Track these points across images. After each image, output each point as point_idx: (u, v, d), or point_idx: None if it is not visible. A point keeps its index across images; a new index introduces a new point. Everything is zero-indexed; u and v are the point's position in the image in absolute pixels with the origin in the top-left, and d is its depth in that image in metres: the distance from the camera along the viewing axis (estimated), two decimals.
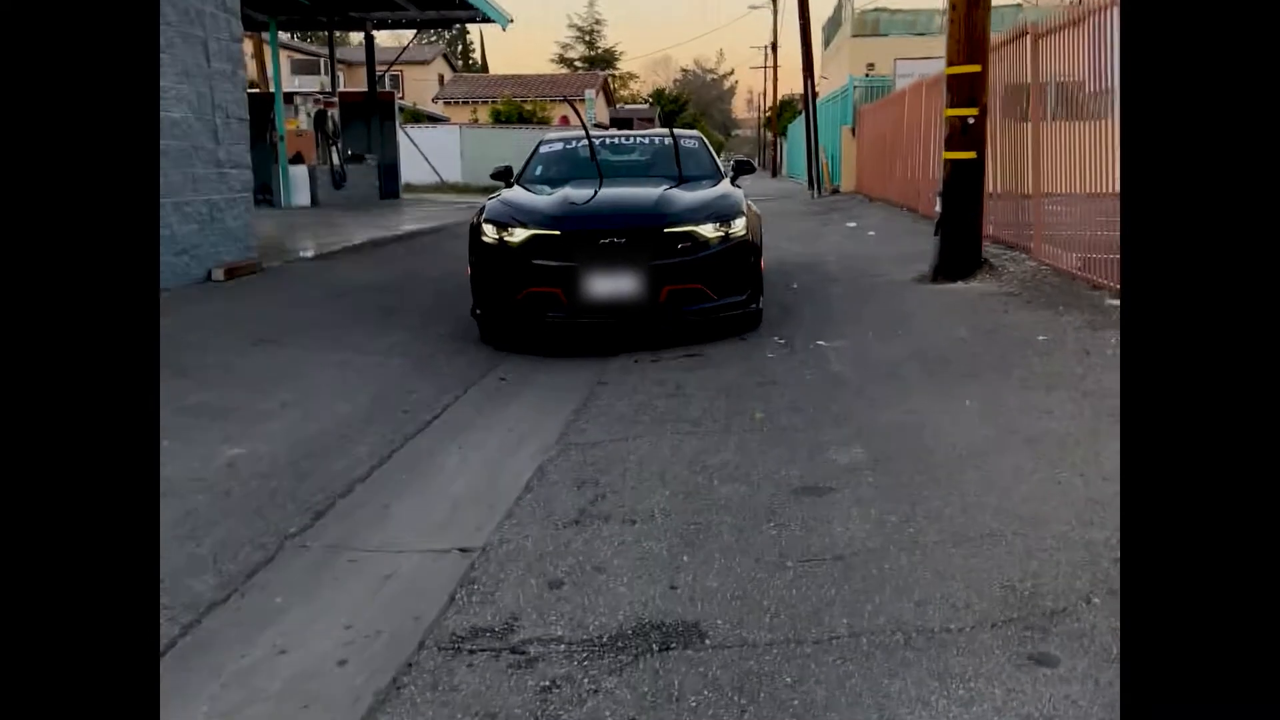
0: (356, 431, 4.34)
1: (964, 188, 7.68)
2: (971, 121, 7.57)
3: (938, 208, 7.96)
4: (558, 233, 5.89)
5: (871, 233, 12.56)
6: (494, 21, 19.71)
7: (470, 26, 70.24)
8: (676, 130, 7.83)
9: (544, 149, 7.79)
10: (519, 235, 5.92)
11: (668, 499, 3.40)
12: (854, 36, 33.18)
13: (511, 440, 4.25)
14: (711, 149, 7.97)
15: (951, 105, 7.67)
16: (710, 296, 5.94)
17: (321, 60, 39.00)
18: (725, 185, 6.87)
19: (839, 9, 36.59)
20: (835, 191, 23.00)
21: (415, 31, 25.82)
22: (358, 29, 22.29)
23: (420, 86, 45.38)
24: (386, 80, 45.73)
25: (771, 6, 49.35)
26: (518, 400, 4.92)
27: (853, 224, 14.16)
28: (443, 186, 26.84)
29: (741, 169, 7.64)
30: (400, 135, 26.40)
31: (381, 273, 8.91)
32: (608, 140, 8.02)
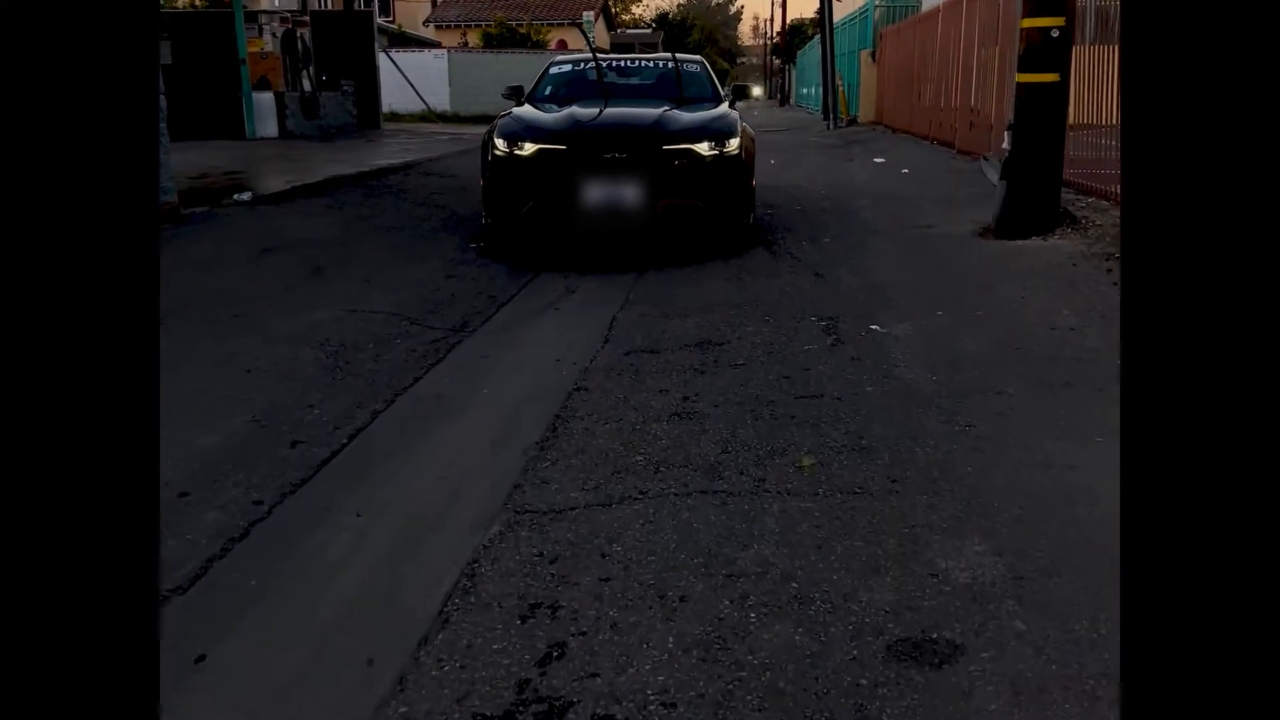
0: (205, 481, 2.92)
1: (1043, 119, 6.15)
2: (1055, 34, 6.01)
3: (1006, 144, 6.42)
4: (564, 147, 6.19)
5: (905, 170, 10.97)
6: None
7: None
8: (680, 55, 8.24)
9: (553, 70, 8.07)
10: (528, 149, 6.22)
11: (670, 661, 2.00)
12: None
13: (434, 502, 2.83)
14: (712, 73, 8.18)
15: (1030, 13, 6.09)
16: (704, 210, 6.24)
17: None
18: (723, 108, 7.11)
19: None
20: (852, 122, 21.25)
21: None
22: None
23: (412, 9, 43.01)
24: (376, 2, 43.48)
25: None
26: (456, 425, 3.49)
27: (880, 159, 12.55)
28: (429, 115, 25.02)
29: (739, 93, 8.28)
30: (383, 60, 24.53)
31: (329, 221, 7.42)
32: (614, 63, 8.39)
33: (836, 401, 3.50)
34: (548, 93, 7.60)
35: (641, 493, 2.80)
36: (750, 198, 6.69)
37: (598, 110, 6.65)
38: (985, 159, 10.13)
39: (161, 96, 7.01)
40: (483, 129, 6.98)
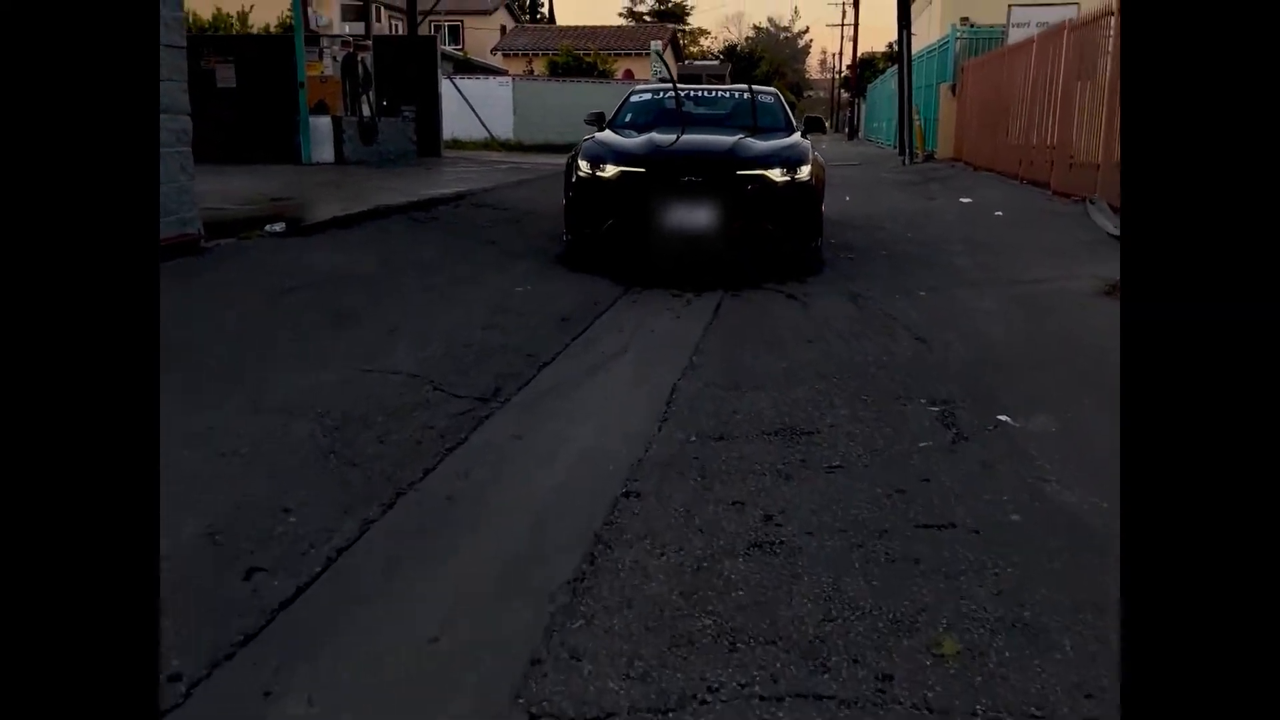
0: None
1: None
2: None
3: None
4: (644, 170, 6.54)
5: (998, 213, 10.00)
6: None
7: None
8: (755, 87, 8.64)
9: (634, 98, 8.42)
10: (610, 171, 6.59)
11: None
12: None
13: (416, 686, 2.00)
14: (785, 104, 8.44)
15: None
16: (774, 232, 6.49)
17: (374, 6, 36.98)
18: (795, 137, 7.39)
19: None
20: (929, 158, 20.24)
21: None
22: None
23: (481, 36, 43.12)
24: (445, 30, 43.71)
25: None
26: (465, 548, 2.67)
27: (966, 199, 11.57)
28: (491, 143, 24.60)
29: (812, 125, 8.28)
30: (447, 86, 24.23)
31: (363, 256, 6.73)
32: (691, 93, 8.69)
33: (973, 536, 2.60)
34: (628, 119, 7.94)
35: (711, 690, 1.94)
36: (819, 223, 6.92)
37: (676, 136, 7.06)
38: (1092, 202, 9.13)
39: (187, 118, 6.41)
40: (545, 158, 7.12)
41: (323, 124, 15.60)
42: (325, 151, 15.61)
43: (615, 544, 2.61)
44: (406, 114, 18.12)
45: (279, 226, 7.28)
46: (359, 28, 30.30)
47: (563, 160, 7.69)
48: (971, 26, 20.44)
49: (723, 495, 2.93)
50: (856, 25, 47.30)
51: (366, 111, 16.68)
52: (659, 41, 33.43)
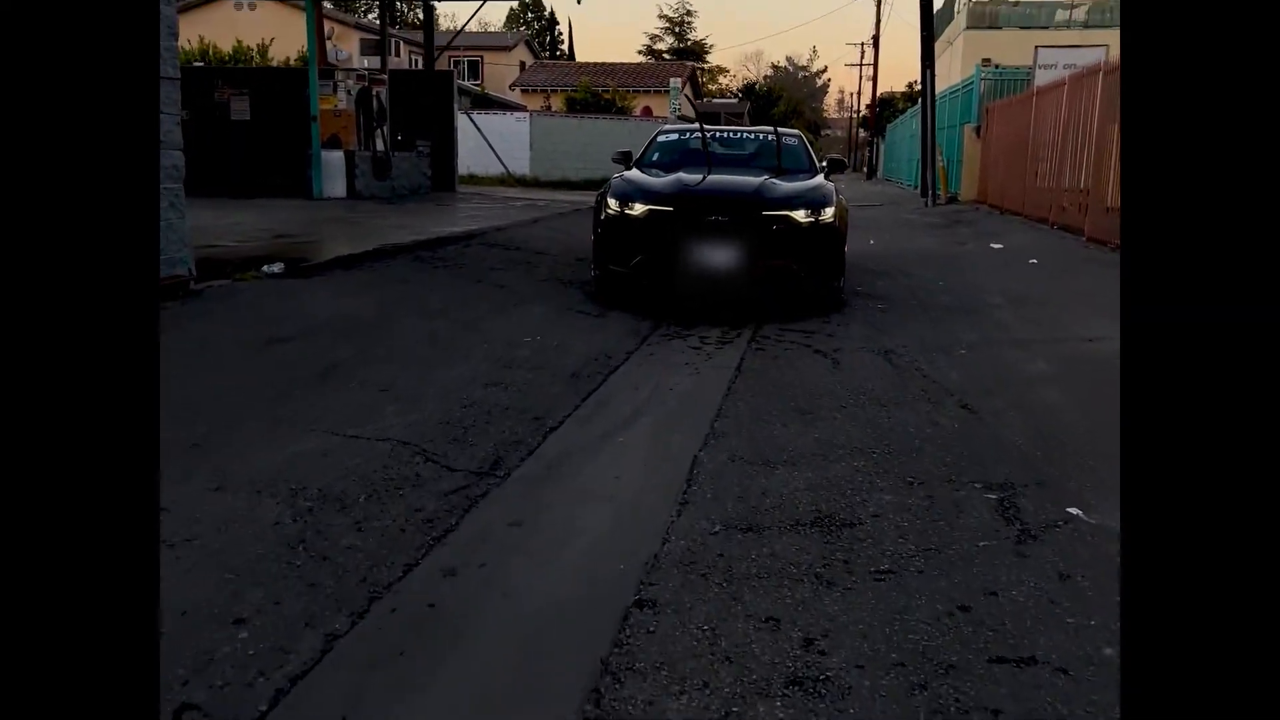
0: None
1: None
2: None
3: None
4: (671, 209, 6.65)
5: (1033, 260, 9.56)
6: None
7: (558, 13, 68.15)
8: (780, 129, 8.71)
9: (661, 138, 8.62)
10: (638, 209, 6.73)
11: None
12: (969, 29, 29.91)
13: None
14: (809, 147, 8.58)
15: None
16: (798, 271, 6.62)
17: (393, 41, 37.12)
18: (819, 179, 7.52)
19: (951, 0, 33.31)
20: (953, 200, 19.86)
21: (499, 14, 23.48)
22: None
23: (500, 72, 43.25)
24: (465, 65, 43.87)
25: None
26: (440, 680, 2.22)
27: (997, 244, 11.15)
28: (507, 179, 24.37)
29: (835, 166, 8.25)
30: (464, 121, 24.07)
31: (363, 301, 6.34)
32: (717, 134, 8.91)
33: (1061, 679, 2.14)
34: (655, 159, 8.10)
35: None
36: (842, 263, 7.02)
37: (702, 176, 7.16)
38: None
39: (179, 153, 6.06)
40: (561, 195, 6.89)
41: (335, 158, 15.35)
42: (337, 186, 15.36)
43: (625, 676, 2.16)
44: (421, 149, 17.89)
45: (277, 267, 6.91)
46: (378, 62, 30.34)
47: (578, 197, 8.19)
48: (996, 68, 20.14)
49: (754, 608, 2.48)
50: (876, 64, 47.24)
51: (380, 146, 16.44)
52: (678, 79, 33.34)
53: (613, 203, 6.88)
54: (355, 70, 18.30)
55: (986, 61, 23.40)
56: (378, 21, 36.10)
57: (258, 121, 17.20)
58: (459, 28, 25.91)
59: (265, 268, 6.88)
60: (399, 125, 17.33)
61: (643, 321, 6.47)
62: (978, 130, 19.38)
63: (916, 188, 24.52)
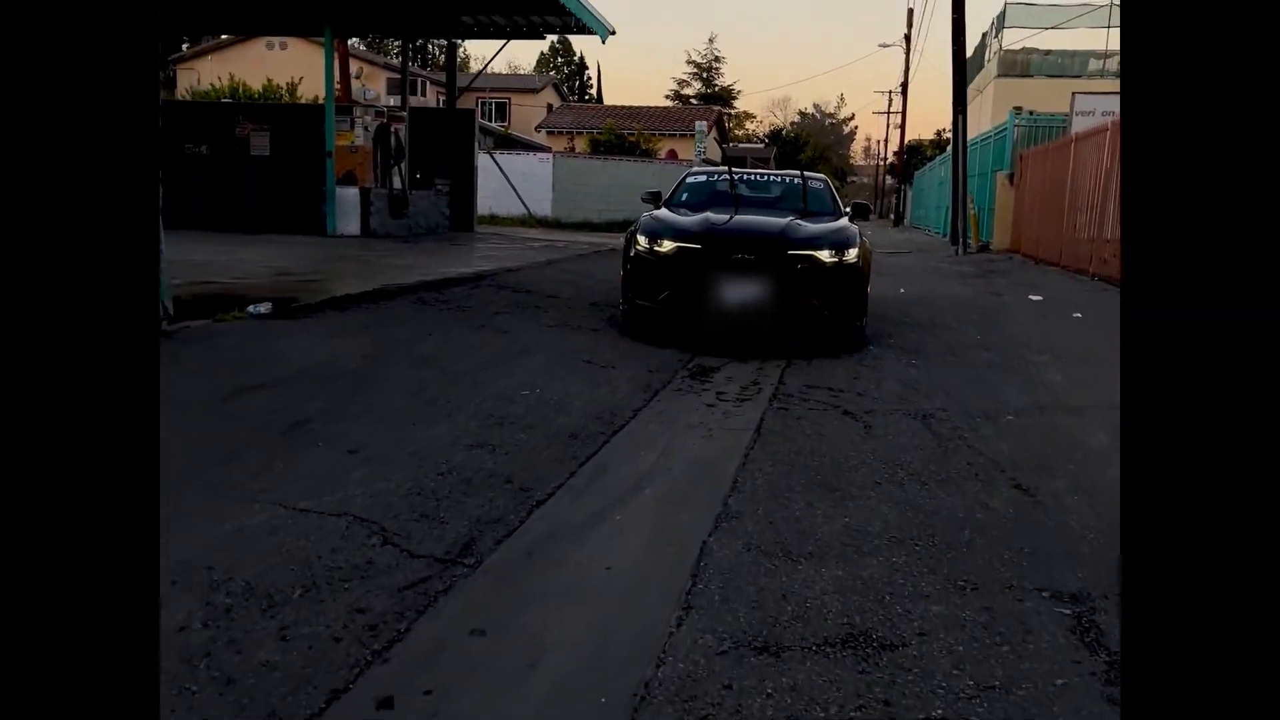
0: None
1: None
2: None
3: None
4: (699, 246, 6.75)
5: (1077, 314, 8.95)
6: (593, 33, 16.83)
7: (588, 58, 68.79)
8: (806, 173, 8.80)
9: (689, 179, 8.77)
10: (667, 246, 6.83)
11: None
12: (1000, 77, 29.57)
13: None
14: (835, 191, 8.72)
15: None
16: (821, 310, 6.67)
17: (420, 81, 37.23)
18: (843, 221, 7.61)
19: (982, 47, 32.97)
20: (984, 248, 19.28)
21: (529, 58, 23.37)
22: (439, 37, 19.79)
23: (527, 114, 43.33)
24: (493, 106, 43.97)
25: (904, 45, 45.88)
26: None
27: (1036, 296, 10.55)
28: (529, 220, 24.05)
29: (859, 211, 8.32)
30: (486, 161, 23.83)
31: (350, 346, 5.83)
32: (744, 176, 8.94)
33: None
34: (684, 199, 8.20)
35: None
36: (864, 303, 7.08)
37: (729, 216, 7.33)
38: None
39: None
40: (582, 237, 6.57)
41: (350, 195, 15.03)
42: (351, 224, 15.02)
43: None
44: (440, 187, 17.58)
45: (264, 307, 6.44)
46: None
47: (599, 239, 7.51)
48: (1030, 114, 19.65)
49: None
50: (905, 110, 46.91)
51: (398, 184, 16.13)
52: (703, 122, 33.12)
53: (642, 239, 7.02)
54: (374, 106, 18.08)
55: (1018, 111, 22.99)
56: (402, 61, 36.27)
57: (277, 157, 16.97)
58: (483, 68, 25.82)
59: (251, 308, 6.42)
60: (419, 163, 17.04)
61: (654, 374, 5.92)
62: (1011, 177, 18.85)
63: (945, 235, 23.98)
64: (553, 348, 6.47)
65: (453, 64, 18.95)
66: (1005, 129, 19.71)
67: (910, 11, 59.08)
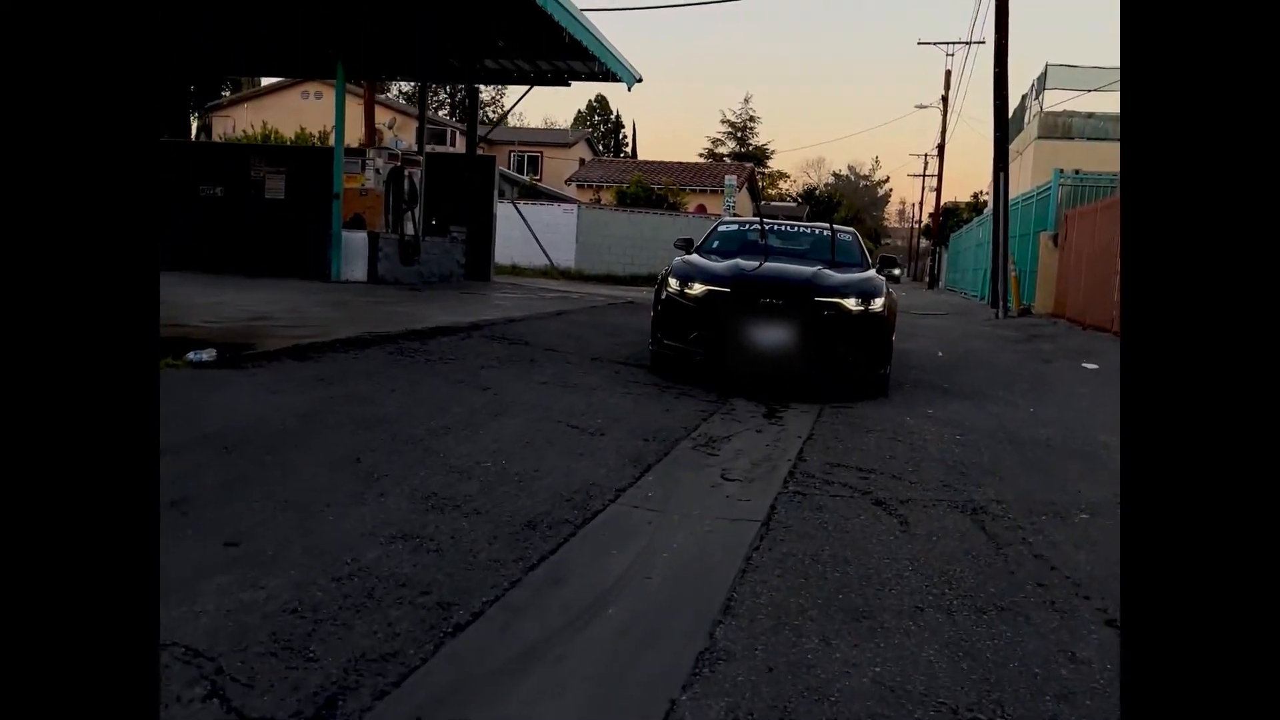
0: None
1: None
2: None
3: None
4: (728, 290, 6.97)
5: None
6: (619, 80, 16.24)
7: (624, 117, 69.00)
8: (835, 225, 8.93)
9: (721, 228, 9.04)
10: (697, 289, 7.07)
11: None
12: (1040, 139, 28.76)
13: None
14: (863, 243, 8.82)
15: None
16: (845, 356, 6.80)
17: (449, 130, 37.05)
18: (870, 272, 7.73)
19: (1022, 109, 32.22)
20: (1025, 312, 18.24)
21: (567, 114, 22.91)
22: (459, 81, 19.32)
23: (559, 167, 43.12)
24: (525, 159, 43.77)
25: (941, 106, 45.34)
26: None
27: (1091, 365, 9.53)
28: (550, 271, 23.35)
29: (887, 262, 8.28)
30: (509, 210, 23.26)
31: (296, 401, 4.97)
32: (774, 226, 8.98)
33: None
34: (715, 246, 8.40)
35: None
36: (889, 351, 7.09)
37: (759, 263, 7.51)
38: None
39: None
40: (602, 289, 6.03)
41: (357, 239, 14.36)
42: (357, 269, 14.32)
43: None
44: (456, 235, 16.92)
45: (206, 354, 5.60)
46: (436, 150, 29.98)
47: (619, 292, 6.90)
48: (1076, 173, 18.73)
49: None
50: (941, 171, 46.20)
51: (410, 230, 15.47)
52: (733, 177, 32.48)
53: (673, 282, 7.19)
54: (387, 149, 17.53)
55: (1062, 170, 22.07)
56: (442, 114, 36.05)
57: (292, 200, 16.45)
58: (506, 115, 25.39)
59: (192, 354, 5.58)
60: (436, 210, 16.40)
61: (649, 443, 5.00)
62: (1055, 239, 17.88)
63: (982, 298, 22.99)
64: (537, 408, 5.57)
65: (474, 109, 18.40)
66: (1049, 188, 18.79)
67: (948, 74, 58.77)
